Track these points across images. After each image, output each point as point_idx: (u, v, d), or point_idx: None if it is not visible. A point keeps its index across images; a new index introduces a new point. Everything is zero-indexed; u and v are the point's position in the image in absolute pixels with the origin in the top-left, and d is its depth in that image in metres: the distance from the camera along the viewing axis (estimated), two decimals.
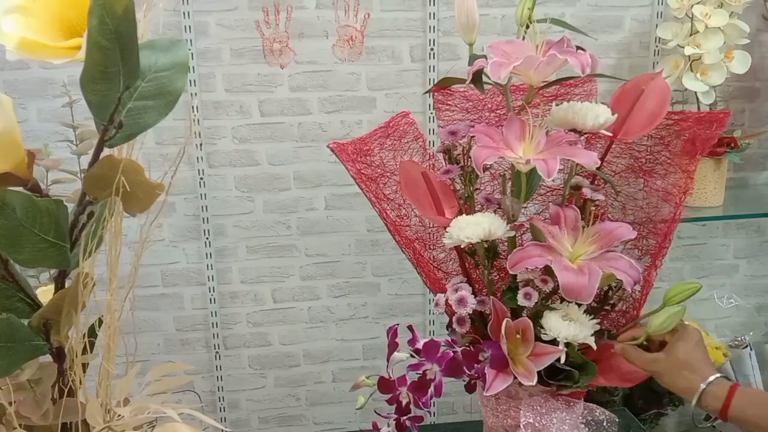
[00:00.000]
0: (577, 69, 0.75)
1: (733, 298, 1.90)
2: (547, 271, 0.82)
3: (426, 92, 1.67)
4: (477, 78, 0.81)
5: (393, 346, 0.85)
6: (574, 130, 0.80)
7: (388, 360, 0.85)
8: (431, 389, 0.81)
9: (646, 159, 0.91)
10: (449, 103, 0.97)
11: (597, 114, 0.79)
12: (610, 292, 0.87)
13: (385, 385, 0.83)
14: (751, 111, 1.85)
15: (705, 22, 1.53)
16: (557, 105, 0.83)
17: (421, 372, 0.81)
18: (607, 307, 0.88)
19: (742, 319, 1.95)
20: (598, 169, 0.88)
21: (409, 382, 0.82)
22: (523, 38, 0.83)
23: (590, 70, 0.77)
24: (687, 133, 0.88)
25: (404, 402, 0.82)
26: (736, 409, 0.74)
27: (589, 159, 0.76)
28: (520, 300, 0.81)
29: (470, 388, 0.84)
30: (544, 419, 0.84)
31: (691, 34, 1.56)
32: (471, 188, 0.89)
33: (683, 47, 1.56)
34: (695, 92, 1.59)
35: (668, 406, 1.78)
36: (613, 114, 0.81)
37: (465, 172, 0.89)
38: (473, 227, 0.80)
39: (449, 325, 0.88)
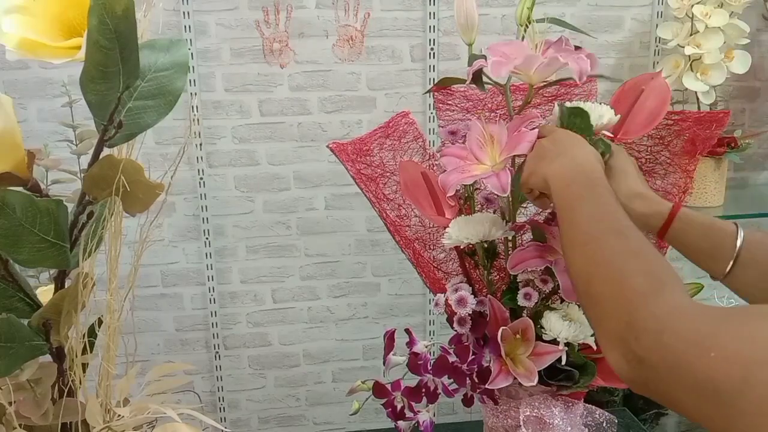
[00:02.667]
0: (575, 75, 0.75)
1: (733, 299, 1.89)
2: (548, 271, 0.82)
3: (426, 92, 1.67)
4: (477, 78, 0.81)
5: (388, 350, 0.85)
6: None
7: (384, 364, 0.85)
8: (439, 389, 0.81)
9: (646, 159, 0.91)
10: (449, 102, 0.97)
11: (601, 114, 0.79)
12: None
13: (379, 390, 0.83)
14: (751, 111, 1.85)
15: (705, 22, 1.53)
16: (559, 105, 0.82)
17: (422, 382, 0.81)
18: None
19: None
20: None
21: (403, 387, 0.83)
22: (523, 38, 0.83)
23: (587, 75, 0.76)
24: (687, 133, 0.88)
25: (399, 407, 0.83)
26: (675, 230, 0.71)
27: (529, 144, 0.74)
28: (520, 300, 0.81)
29: (467, 402, 0.84)
30: (545, 417, 0.84)
31: (691, 34, 1.56)
32: (471, 188, 0.89)
33: (683, 47, 1.56)
34: (695, 92, 1.59)
35: None
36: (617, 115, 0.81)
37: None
38: (473, 227, 0.80)
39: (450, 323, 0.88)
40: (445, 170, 0.80)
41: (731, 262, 0.68)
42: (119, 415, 0.73)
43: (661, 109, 0.83)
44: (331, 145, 0.91)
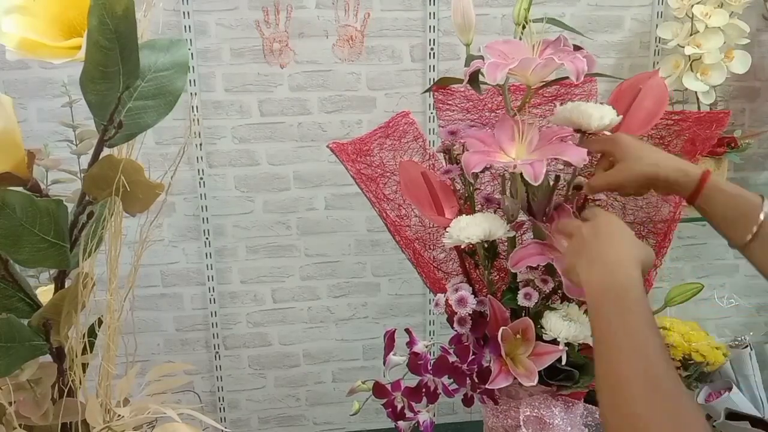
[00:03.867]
0: (571, 75, 0.75)
1: (733, 298, 1.90)
2: (548, 270, 0.82)
3: (425, 91, 1.67)
4: (474, 79, 0.81)
5: (389, 350, 0.85)
6: (579, 131, 0.80)
7: (384, 364, 0.85)
8: (439, 389, 0.81)
9: None
10: (449, 102, 0.97)
11: (602, 115, 0.79)
12: None
13: (379, 390, 0.83)
14: (751, 111, 1.85)
15: (705, 22, 1.53)
16: (561, 105, 0.83)
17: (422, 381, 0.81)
18: None
19: (742, 319, 1.95)
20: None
21: (403, 387, 0.83)
22: (520, 38, 0.83)
23: (584, 74, 0.77)
24: (687, 133, 0.88)
25: (399, 407, 0.83)
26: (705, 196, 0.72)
27: (579, 156, 0.75)
28: (521, 300, 0.81)
29: (467, 402, 0.84)
30: (545, 417, 0.84)
31: (691, 34, 1.56)
32: (471, 188, 0.89)
33: (683, 47, 1.56)
34: (695, 92, 1.59)
35: None
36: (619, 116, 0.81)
37: (464, 172, 0.89)
38: (473, 227, 0.80)
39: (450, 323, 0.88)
40: (468, 150, 0.80)
41: (751, 233, 0.69)
42: (119, 415, 0.73)
43: (659, 108, 0.83)
44: (331, 145, 0.91)
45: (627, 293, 0.62)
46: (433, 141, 1.63)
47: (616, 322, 0.60)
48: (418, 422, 0.83)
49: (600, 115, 0.79)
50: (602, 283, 0.64)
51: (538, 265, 0.81)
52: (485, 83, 0.82)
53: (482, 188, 0.94)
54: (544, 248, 0.79)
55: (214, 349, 1.79)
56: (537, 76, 0.79)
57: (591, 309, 0.64)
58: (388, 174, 0.95)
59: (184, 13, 1.56)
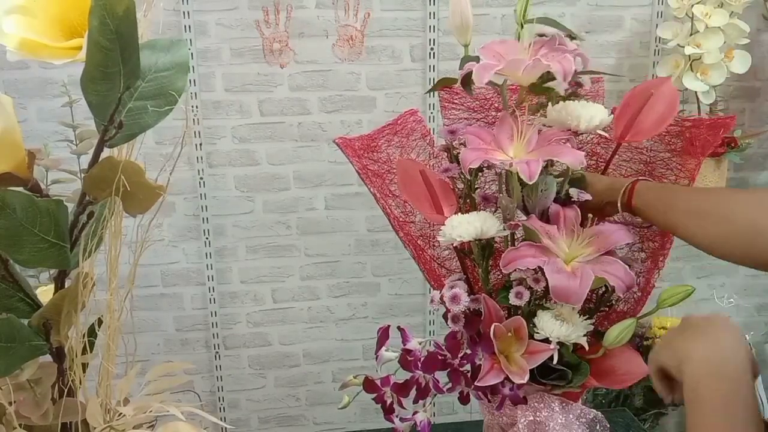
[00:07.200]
0: (558, 77, 0.75)
1: (733, 298, 1.90)
2: (540, 270, 0.81)
3: (428, 92, 1.67)
4: (467, 80, 0.81)
5: (381, 344, 0.85)
6: (570, 131, 0.80)
7: (376, 359, 0.86)
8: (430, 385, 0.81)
9: (655, 162, 0.91)
10: (455, 102, 0.96)
11: (591, 115, 0.78)
12: (606, 294, 0.87)
13: (369, 385, 0.83)
14: (751, 111, 1.85)
15: (705, 22, 1.53)
16: (552, 105, 0.83)
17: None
18: (605, 309, 0.88)
19: (742, 319, 1.95)
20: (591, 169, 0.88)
21: (392, 382, 0.83)
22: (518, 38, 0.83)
23: (574, 75, 0.76)
24: (691, 137, 0.88)
25: (389, 402, 0.83)
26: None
27: (575, 158, 0.75)
28: (512, 299, 0.81)
29: (464, 399, 0.84)
30: (542, 418, 0.84)
31: (691, 34, 1.56)
32: (468, 185, 0.89)
33: (683, 47, 1.56)
34: (695, 92, 1.59)
35: (668, 406, 1.79)
36: (610, 115, 0.81)
37: (462, 169, 0.89)
38: (465, 226, 0.80)
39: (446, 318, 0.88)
40: (467, 147, 0.80)
41: None
42: (120, 414, 0.73)
43: (670, 113, 0.84)
44: (337, 140, 0.91)
45: (740, 383, 0.57)
46: (434, 141, 1.63)
47: (721, 411, 0.56)
48: (416, 422, 0.84)
49: (589, 115, 0.78)
50: (711, 357, 0.58)
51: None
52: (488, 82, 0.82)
53: (486, 187, 0.94)
54: (537, 251, 0.79)
55: (214, 349, 1.79)
56: (529, 77, 0.79)
57: (691, 384, 0.58)
58: (394, 171, 0.95)
59: (184, 13, 1.56)
